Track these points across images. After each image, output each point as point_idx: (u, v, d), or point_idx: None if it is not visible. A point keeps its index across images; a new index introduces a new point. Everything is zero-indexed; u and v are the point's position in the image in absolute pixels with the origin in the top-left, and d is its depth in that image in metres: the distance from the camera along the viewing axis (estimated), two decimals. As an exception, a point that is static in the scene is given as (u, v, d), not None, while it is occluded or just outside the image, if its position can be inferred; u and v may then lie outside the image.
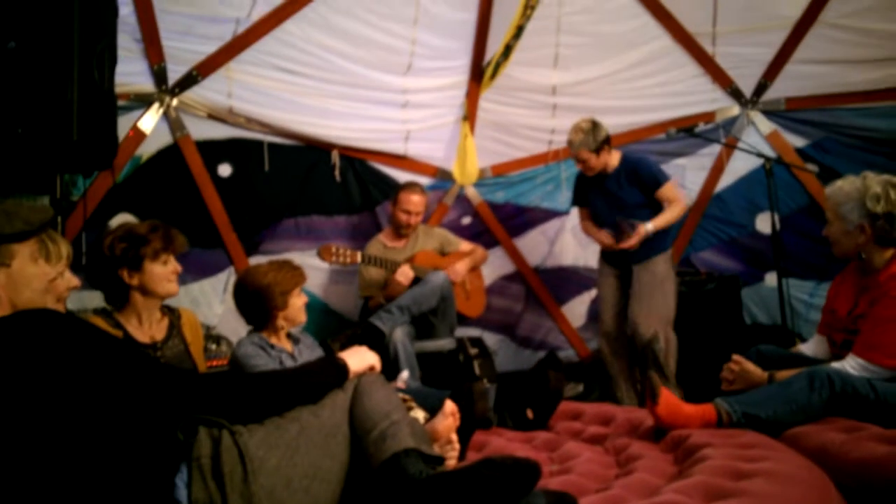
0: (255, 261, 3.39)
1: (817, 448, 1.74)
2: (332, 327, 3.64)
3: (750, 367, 2.17)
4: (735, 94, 3.95)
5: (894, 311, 1.94)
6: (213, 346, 2.70)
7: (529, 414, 2.21)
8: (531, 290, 4.28)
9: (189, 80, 3.31)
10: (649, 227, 3.10)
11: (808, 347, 2.34)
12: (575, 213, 3.69)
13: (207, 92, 3.38)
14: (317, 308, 3.63)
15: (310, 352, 2.33)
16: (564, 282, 4.28)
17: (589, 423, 2.25)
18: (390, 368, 2.78)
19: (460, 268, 3.45)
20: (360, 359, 1.52)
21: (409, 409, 1.67)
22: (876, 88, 3.66)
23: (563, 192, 4.12)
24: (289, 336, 2.34)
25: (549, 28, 3.77)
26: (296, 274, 2.29)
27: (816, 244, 3.27)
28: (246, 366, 2.12)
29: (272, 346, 2.23)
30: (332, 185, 3.76)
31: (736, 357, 2.21)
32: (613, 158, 3.24)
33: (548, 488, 1.35)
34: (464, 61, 3.81)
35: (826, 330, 2.28)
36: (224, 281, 3.51)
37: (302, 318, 2.30)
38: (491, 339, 4.10)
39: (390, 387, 1.52)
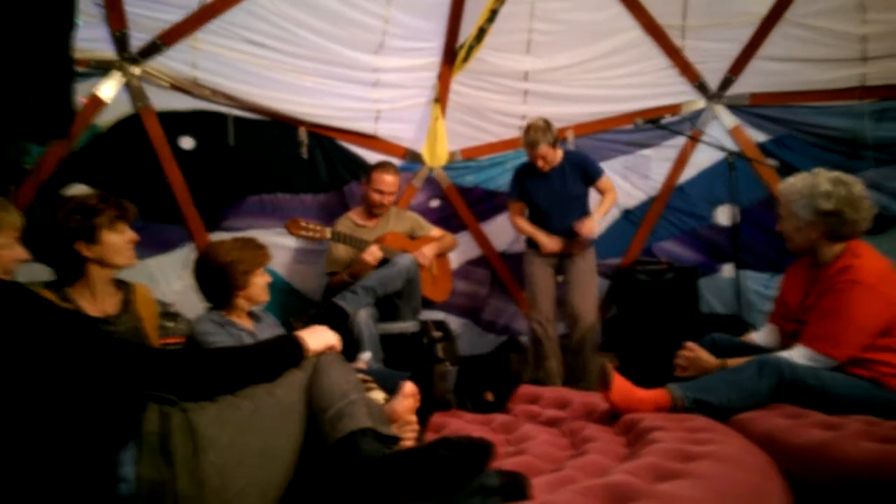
0: (216, 237, 3.33)
1: (763, 433, 1.81)
2: (295, 307, 3.61)
3: (703, 354, 2.23)
4: (701, 87, 4.02)
5: (840, 304, 2.01)
6: (171, 324, 2.65)
7: (489, 396, 2.24)
8: (496, 274, 4.31)
9: (152, 49, 3.21)
10: (598, 218, 3.41)
11: (760, 336, 2.42)
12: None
13: (171, 62, 3.29)
14: (279, 287, 3.59)
15: (271, 330, 2.30)
16: (529, 268, 4.32)
17: (546, 407, 2.29)
18: (352, 349, 2.78)
19: (428, 251, 3.45)
20: (319, 338, 1.51)
21: (369, 389, 1.67)
22: (836, 88, 3.76)
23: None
24: (250, 314, 2.30)
25: (522, 13, 3.77)
26: (260, 253, 2.25)
27: (773, 237, 3.36)
28: (204, 343, 2.09)
29: (232, 324, 2.19)
30: (298, 162, 3.71)
31: (689, 344, 2.27)
32: (558, 154, 3.45)
33: (502, 468, 1.37)
34: (437, 43, 3.78)
35: (777, 320, 2.36)
36: (183, 257, 3.44)
37: (264, 297, 2.26)
38: (455, 322, 4.12)
39: (350, 367, 1.51)
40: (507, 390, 2.27)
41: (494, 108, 4.09)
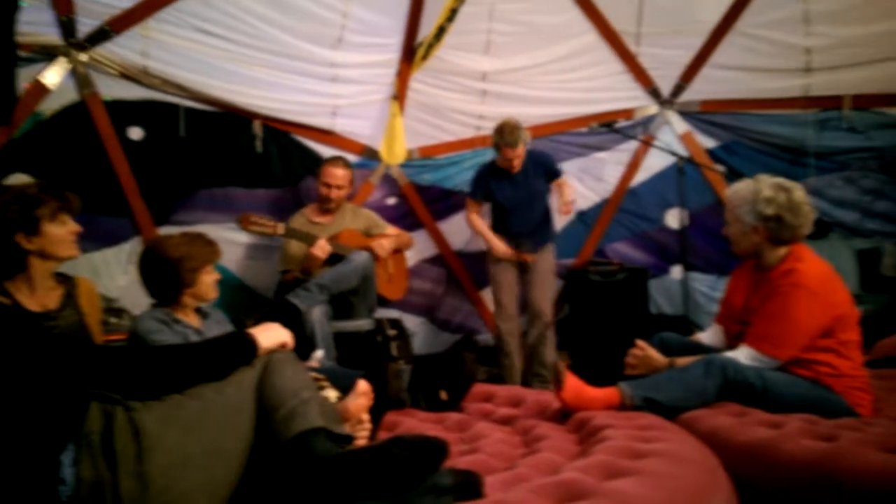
0: (165, 231, 3.22)
1: (709, 431, 1.86)
2: (246, 304, 3.54)
3: (652, 353, 2.28)
4: (654, 93, 4.12)
5: (782, 307, 2.09)
6: (114, 320, 2.56)
7: (443, 395, 2.24)
8: (452, 273, 4.32)
9: (101, 36, 3.10)
10: (570, 198, 3.54)
11: (706, 336, 2.49)
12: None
13: (121, 49, 3.18)
14: (230, 284, 3.51)
15: (220, 328, 2.22)
16: (485, 266, 4.34)
17: (500, 405, 2.30)
18: (306, 347, 2.74)
19: (386, 243, 3.44)
20: (271, 335, 1.48)
21: (321, 388, 1.65)
22: (781, 97, 3.91)
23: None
24: (198, 311, 2.23)
25: (481, 14, 3.79)
26: (209, 250, 2.18)
27: (720, 241, 3.46)
28: (146, 341, 2.01)
29: (177, 322, 2.11)
30: (252, 156, 3.64)
31: (640, 343, 2.32)
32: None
33: (455, 467, 1.38)
34: (396, 40, 3.76)
35: (723, 321, 2.44)
36: (128, 251, 3.33)
37: (212, 295, 2.19)
38: (411, 321, 4.11)
39: (302, 365, 1.49)
40: (461, 389, 2.28)
41: (453, 108, 4.10)
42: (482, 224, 3.62)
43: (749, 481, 1.68)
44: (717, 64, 3.93)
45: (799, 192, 2.19)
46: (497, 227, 3.63)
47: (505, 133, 3.39)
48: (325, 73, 3.65)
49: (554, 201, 3.67)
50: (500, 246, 3.52)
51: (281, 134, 3.71)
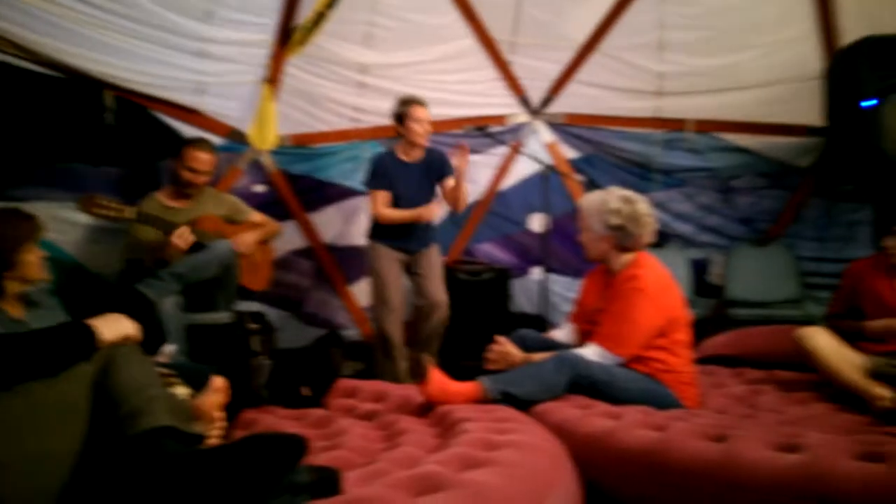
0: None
1: (557, 422, 1.99)
2: (89, 292, 3.22)
3: (511, 348, 2.40)
4: (525, 102, 4.31)
5: (625, 309, 2.28)
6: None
7: (305, 391, 2.19)
8: (321, 266, 4.23)
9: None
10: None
11: (560, 334, 2.66)
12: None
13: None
14: (70, 269, 3.17)
15: (52, 317, 1.96)
16: (355, 261, 4.30)
17: (364, 401, 2.30)
18: (156, 340, 2.54)
19: (249, 238, 3.26)
20: (114, 327, 1.35)
21: (170, 384, 1.54)
22: (635, 116, 4.26)
23: (364, 172, 4.12)
24: (25, 299, 1.95)
25: (363, 5, 3.76)
26: (28, 225, 1.89)
27: (576, 246, 3.71)
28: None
29: (-3, 312, 1.85)
30: (102, 130, 3.30)
31: (499, 339, 2.43)
32: None
33: (313, 464, 1.35)
34: (272, 20, 3.61)
35: (575, 319, 2.62)
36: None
37: (37, 275, 1.90)
38: (275, 314, 3.97)
39: (149, 360, 1.38)
40: (325, 385, 2.24)
41: (329, 97, 4.01)
42: (394, 211, 3.38)
43: (592, 468, 1.82)
44: (582, 80, 4.20)
45: (642, 204, 2.40)
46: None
47: (414, 99, 3.29)
48: (192, 48, 3.42)
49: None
50: (425, 209, 3.35)
51: (137, 108, 3.40)
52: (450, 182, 3.47)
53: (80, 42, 3.08)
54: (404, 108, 3.34)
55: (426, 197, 3.47)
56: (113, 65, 3.22)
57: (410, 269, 3.52)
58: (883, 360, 2.35)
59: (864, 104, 3.22)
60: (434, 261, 3.52)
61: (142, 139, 3.45)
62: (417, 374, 2.09)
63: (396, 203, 3.41)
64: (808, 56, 3.82)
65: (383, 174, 3.40)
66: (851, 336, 2.50)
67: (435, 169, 3.49)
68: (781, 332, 2.91)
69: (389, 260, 3.44)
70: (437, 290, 3.45)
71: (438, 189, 3.55)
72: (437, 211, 3.43)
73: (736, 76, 3.99)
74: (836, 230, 4.07)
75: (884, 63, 3.19)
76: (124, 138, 3.39)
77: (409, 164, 3.42)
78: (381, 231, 3.46)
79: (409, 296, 3.65)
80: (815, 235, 4.15)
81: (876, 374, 2.29)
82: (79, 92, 3.21)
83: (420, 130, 3.34)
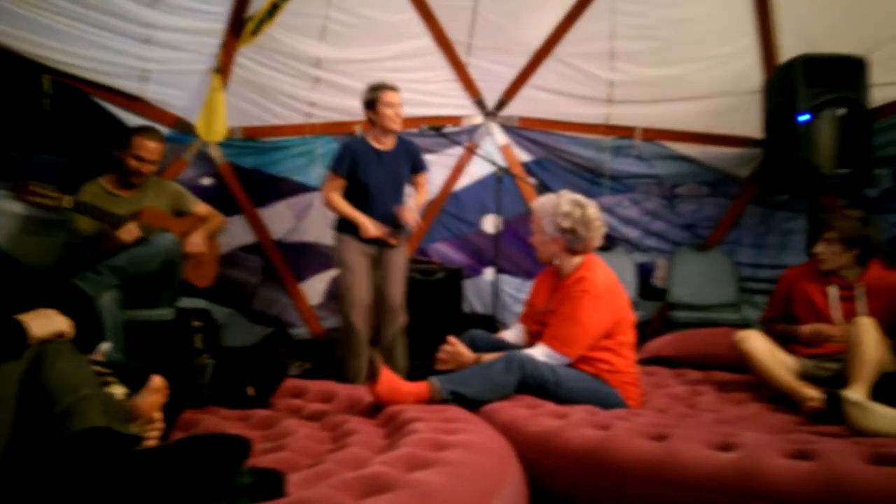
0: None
1: (505, 422, 2.01)
2: (20, 286, 3.05)
3: (462, 349, 2.41)
4: (480, 104, 4.34)
5: (573, 310, 2.33)
6: None
7: (250, 391, 2.14)
8: (270, 263, 4.15)
9: None
10: (416, 213, 3.32)
11: (510, 334, 2.69)
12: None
13: None
14: (0, 261, 3.01)
15: None
16: (306, 258, 4.25)
17: (311, 401, 2.27)
18: (92, 337, 2.43)
19: (198, 239, 3.15)
20: (45, 323, 1.29)
21: (106, 383, 1.48)
22: (586, 122, 4.34)
23: (317, 168, 4.08)
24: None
25: (319, -1, 3.71)
26: None
27: (528, 247, 3.77)
28: None
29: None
30: (39, 116, 3.14)
31: (451, 339, 2.44)
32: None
33: (256, 466, 1.32)
34: (224, 8, 3.52)
35: (525, 320, 2.65)
36: None
37: None
38: (221, 312, 3.87)
39: (83, 358, 1.32)
40: (272, 384, 2.20)
41: (282, 91, 3.95)
42: (345, 203, 3.25)
43: (538, 467, 1.85)
44: (536, 85, 4.25)
45: (592, 209, 2.46)
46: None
47: (385, 82, 3.19)
48: (137, 33, 3.30)
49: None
50: (369, 224, 3.19)
51: (77, 94, 3.26)
52: (421, 179, 3.44)
53: (16, 22, 2.93)
54: (375, 94, 3.22)
55: (396, 188, 3.34)
56: (52, 48, 3.08)
57: (375, 266, 3.38)
58: (813, 362, 2.48)
59: (799, 119, 3.38)
60: (398, 262, 3.37)
61: (82, 126, 3.30)
62: (369, 374, 2.06)
63: (361, 192, 3.26)
64: (749, 71, 3.98)
65: (346, 160, 3.24)
66: (785, 339, 2.62)
67: (408, 160, 3.37)
68: (720, 335, 3.04)
69: (357, 253, 3.28)
70: (395, 294, 3.34)
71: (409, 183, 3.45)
72: (373, 232, 3.21)
73: (682, 87, 4.12)
74: (773, 238, 4.26)
75: (818, 80, 3.36)
76: (63, 125, 3.24)
77: (381, 152, 3.28)
78: (350, 223, 3.27)
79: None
80: (753, 242, 4.33)
81: (806, 376, 2.42)
82: (14, 75, 3.05)
83: (392, 115, 3.22)
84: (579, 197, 2.47)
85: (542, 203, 2.49)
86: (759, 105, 3.86)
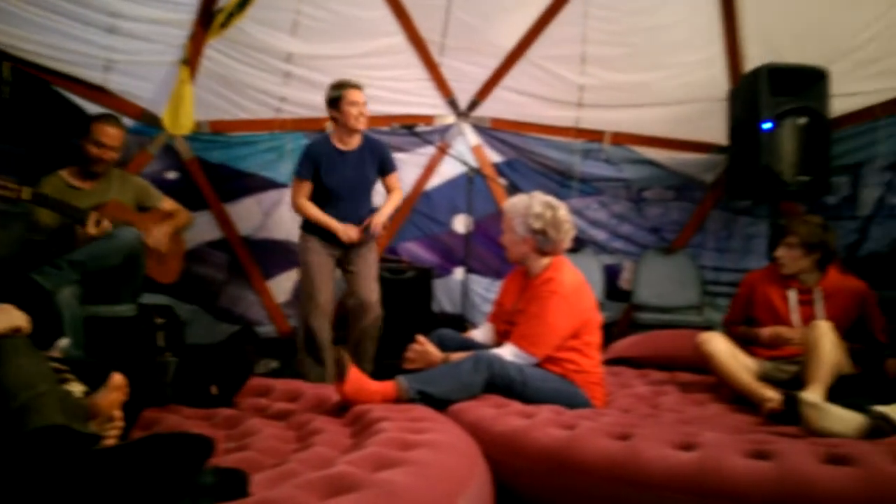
0: None
1: (472, 421, 2.01)
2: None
3: (430, 348, 2.41)
4: (452, 104, 4.34)
5: (541, 310, 2.35)
6: None
7: (213, 390, 2.10)
8: (237, 260, 4.09)
9: None
10: (384, 219, 3.26)
11: (479, 333, 2.70)
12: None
13: None
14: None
15: None
16: (274, 255, 4.19)
17: (276, 400, 2.24)
18: (50, 333, 2.36)
19: (161, 236, 3.08)
20: (1, 318, 1.25)
21: (64, 381, 1.44)
22: (557, 125, 4.39)
23: (286, 164, 4.03)
24: None
25: (291, -7, 3.66)
26: None
27: (497, 247, 3.79)
28: None
29: None
30: (-3, 104, 3.06)
31: (419, 338, 2.44)
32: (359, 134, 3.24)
33: (219, 466, 1.30)
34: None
35: (494, 320, 2.66)
36: None
37: None
38: (185, 308, 3.80)
39: (41, 354, 1.29)
40: (236, 383, 2.16)
41: (252, 85, 3.89)
42: (316, 209, 3.17)
43: (505, 467, 1.85)
44: (507, 86, 4.27)
45: (563, 210, 2.48)
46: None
47: (349, 80, 3.11)
48: (102, 22, 3.21)
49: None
50: (347, 230, 3.15)
51: (38, 82, 3.16)
52: (392, 181, 3.34)
53: (-28, 6, 2.83)
54: (338, 92, 3.13)
55: (362, 188, 3.27)
56: (12, 34, 2.99)
57: (344, 266, 3.31)
58: (772, 364, 2.54)
59: (762, 126, 3.46)
60: (370, 259, 3.30)
61: (42, 116, 3.20)
62: (337, 373, 2.04)
63: (325, 194, 3.19)
64: (715, 78, 4.07)
65: (309, 163, 3.16)
66: (746, 341, 2.69)
67: (374, 159, 3.27)
68: (683, 337, 3.10)
69: (321, 255, 3.21)
70: (369, 290, 3.26)
71: (380, 184, 3.37)
72: (354, 236, 3.18)
73: (650, 93, 4.19)
74: (735, 242, 4.37)
75: (781, 89, 3.45)
76: (22, 114, 3.14)
77: (345, 152, 3.19)
78: (315, 224, 3.21)
79: (339, 293, 3.54)
80: (716, 246, 4.44)
81: (766, 378, 2.48)
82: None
83: (356, 114, 3.12)
84: (551, 199, 2.49)
85: (514, 203, 2.50)
86: (725, 112, 3.95)
